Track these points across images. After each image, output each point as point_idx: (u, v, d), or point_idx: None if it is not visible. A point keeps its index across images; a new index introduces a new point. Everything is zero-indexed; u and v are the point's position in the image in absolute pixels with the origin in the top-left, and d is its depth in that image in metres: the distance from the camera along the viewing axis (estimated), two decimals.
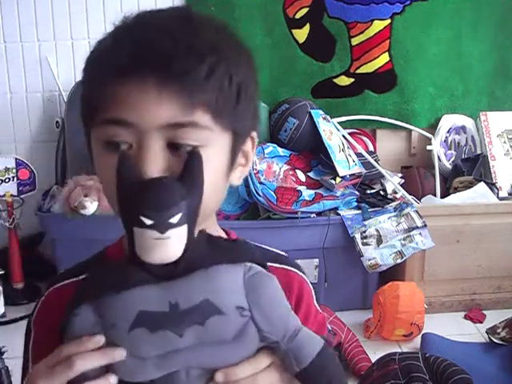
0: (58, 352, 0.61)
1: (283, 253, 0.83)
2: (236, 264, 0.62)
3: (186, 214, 0.59)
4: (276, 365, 0.63)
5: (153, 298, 0.59)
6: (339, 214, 2.42)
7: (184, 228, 0.59)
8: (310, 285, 0.80)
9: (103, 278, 0.62)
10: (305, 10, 2.72)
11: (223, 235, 0.79)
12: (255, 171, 2.38)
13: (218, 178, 0.68)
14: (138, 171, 0.62)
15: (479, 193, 2.58)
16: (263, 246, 0.82)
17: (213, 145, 0.66)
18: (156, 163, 0.63)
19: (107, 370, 0.60)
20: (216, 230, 0.77)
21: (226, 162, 0.69)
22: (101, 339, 0.60)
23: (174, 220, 0.58)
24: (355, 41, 2.76)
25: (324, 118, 2.60)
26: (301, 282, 0.79)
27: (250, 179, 2.36)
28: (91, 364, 0.60)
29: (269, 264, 0.76)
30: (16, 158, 2.60)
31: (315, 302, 0.81)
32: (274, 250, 0.82)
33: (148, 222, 0.57)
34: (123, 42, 0.64)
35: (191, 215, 0.60)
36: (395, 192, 2.63)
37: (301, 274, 0.80)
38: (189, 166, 0.61)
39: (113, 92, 0.63)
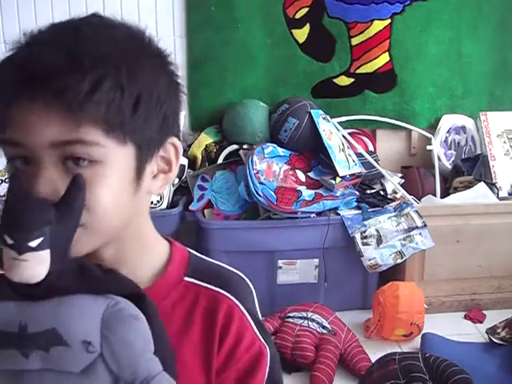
0: None
1: (234, 272, 0.80)
2: (100, 296, 0.62)
3: (49, 239, 0.59)
4: None
5: (7, 315, 0.60)
6: (339, 214, 2.42)
7: (45, 253, 0.59)
8: (247, 313, 0.75)
9: None
10: (305, 10, 2.72)
11: (164, 245, 0.78)
12: (255, 171, 2.38)
13: (119, 193, 0.67)
14: (28, 189, 0.63)
15: (479, 193, 2.58)
16: (213, 261, 0.80)
17: (109, 161, 0.65)
18: (46, 182, 0.63)
19: None
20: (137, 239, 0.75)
21: (129, 177, 0.68)
22: None
23: (33, 244, 0.58)
24: (355, 41, 2.76)
25: (324, 118, 2.60)
26: (231, 307, 0.74)
27: (249, 179, 2.35)
28: None
29: (200, 283, 0.75)
30: None
31: (256, 331, 0.75)
32: (224, 266, 0.80)
33: (9, 241, 0.58)
34: (10, 62, 0.65)
35: (57, 241, 0.60)
36: (395, 192, 2.63)
37: (235, 300, 0.75)
38: (67, 191, 0.61)
39: (4, 112, 0.64)
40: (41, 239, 0.59)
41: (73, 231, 0.62)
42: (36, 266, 0.59)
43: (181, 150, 0.74)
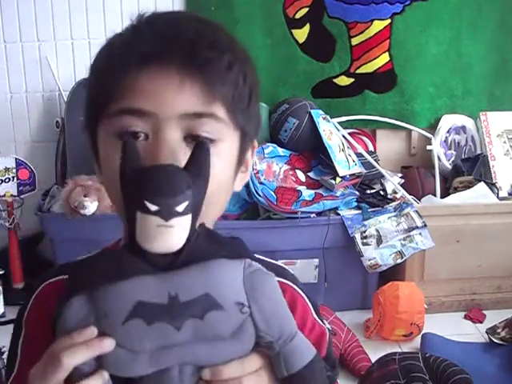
0: (49, 350, 0.58)
1: (282, 265, 0.82)
2: (236, 259, 0.61)
3: (191, 203, 0.57)
4: (266, 370, 0.62)
5: (151, 288, 0.57)
6: (339, 214, 2.42)
7: (188, 218, 0.57)
8: (307, 298, 0.78)
9: (98, 268, 0.59)
10: (305, 10, 2.72)
11: None
12: (255, 171, 2.38)
13: (227, 174, 0.68)
14: (147, 158, 0.61)
15: (479, 193, 2.58)
16: (260, 256, 0.80)
17: (226, 140, 0.66)
18: (172, 154, 0.62)
19: (100, 364, 0.58)
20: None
21: (234, 161, 0.69)
22: (93, 331, 0.57)
23: (180, 208, 0.56)
24: (355, 41, 2.76)
25: (324, 118, 2.60)
26: (294, 295, 0.76)
27: (249, 179, 2.36)
28: (79, 358, 0.57)
29: None
30: (16, 158, 2.60)
31: (314, 315, 0.78)
32: (272, 261, 0.80)
33: (153, 207, 0.55)
34: (145, 32, 0.64)
35: (196, 205, 0.58)
36: (395, 192, 2.63)
37: (295, 287, 0.77)
38: (195, 155, 0.60)
39: (131, 81, 0.62)
40: (186, 203, 0.56)
41: (204, 194, 0.60)
42: (180, 231, 0.57)
43: (255, 153, 0.76)
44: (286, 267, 0.81)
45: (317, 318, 0.78)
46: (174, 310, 0.57)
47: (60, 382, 0.57)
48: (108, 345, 0.57)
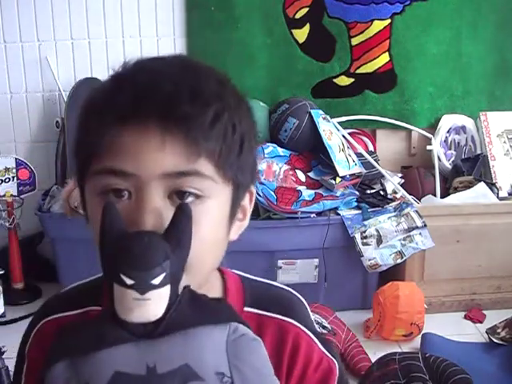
0: None
1: (287, 289, 0.78)
2: (219, 325, 0.59)
3: (169, 274, 0.56)
4: None
5: (130, 358, 0.56)
6: (339, 214, 2.42)
7: (166, 289, 0.56)
8: (311, 334, 0.74)
9: (80, 335, 0.59)
10: (305, 10, 2.72)
11: (216, 276, 0.75)
12: None
13: (218, 231, 0.65)
14: (125, 223, 0.59)
15: (479, 193, 2.58)
16: (268, 281, 0.78)
17: (214, 196, 0.63)
18: (154, 215, 0.59)
19: None
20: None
21: (226, 215, 0.66)
22: None
23: (156, 281, 0.55)
24: (355, 41, 2.76)
25: (324, 118, 2.60)
26: (298, 335, 0.72)
27: None
28: None
29: (262, 313, 0.73)
30: (16, 158, 2.60)
31: (321, 347, 0.74)
32: (278, 285, 0.78)
33: (128, 281, 0.55)
34: (123, 87, 0.61)
35: (175, 275, 0.57)
36: (395, 192, 2.63)
37: (299, 325, 0.73)
38: (175, 221, 0.58)
39: (111, 140, 0.60)
40: (163, 275, 0.55)
41: (184, 262, 0.58)
42: (158, 303, 0.56)
43: (254, 199, 0.72)
44: (292, 292, 0.78)
45: (324, 351, 0.74)
46: (152, 381, 0.56)
47: None
48: None
